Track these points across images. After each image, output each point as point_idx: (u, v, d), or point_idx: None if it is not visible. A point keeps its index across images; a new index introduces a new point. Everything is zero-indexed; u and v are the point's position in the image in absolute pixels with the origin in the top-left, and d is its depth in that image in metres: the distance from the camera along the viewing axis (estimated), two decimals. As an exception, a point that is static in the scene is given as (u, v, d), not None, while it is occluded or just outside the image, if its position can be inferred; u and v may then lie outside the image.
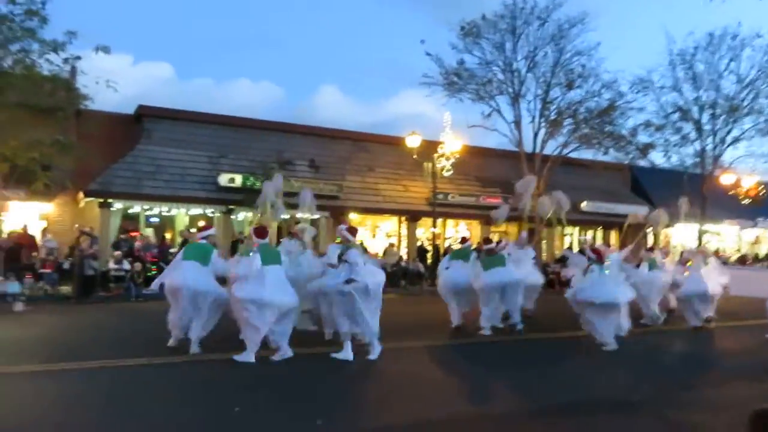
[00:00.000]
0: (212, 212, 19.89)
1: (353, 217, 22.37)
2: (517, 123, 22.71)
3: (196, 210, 19.84)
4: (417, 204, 23.06)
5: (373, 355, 7.60)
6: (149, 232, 19.60)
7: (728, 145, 25.34)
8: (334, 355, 7.53)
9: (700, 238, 25.11)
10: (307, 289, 8.26)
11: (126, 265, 15.16)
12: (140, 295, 14.52)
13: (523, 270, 11.17)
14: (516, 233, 23.35)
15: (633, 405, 5.97)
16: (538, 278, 12.46)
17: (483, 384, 6.84)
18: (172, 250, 16.08)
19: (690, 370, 7.91)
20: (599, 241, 25.85)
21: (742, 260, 27.54)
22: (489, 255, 10.59)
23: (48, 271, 14.99)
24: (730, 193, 26.80)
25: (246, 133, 21.73)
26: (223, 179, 19.52)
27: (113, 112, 20.10)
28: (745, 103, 24.42)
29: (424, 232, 24.03)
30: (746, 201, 27.12)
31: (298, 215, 11.05)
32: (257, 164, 20.19)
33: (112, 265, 15.20)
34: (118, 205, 18.56)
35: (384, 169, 23.68)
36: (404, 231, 23.62)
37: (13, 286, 13.73)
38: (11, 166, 15.05)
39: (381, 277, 7.89)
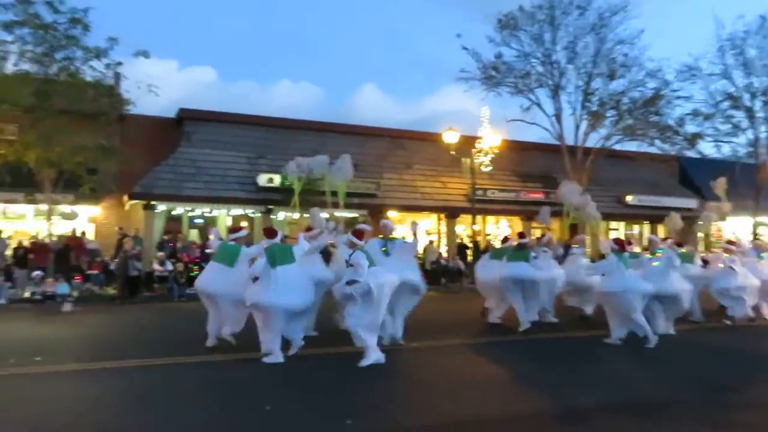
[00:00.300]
0: (252, 212, 20.13)
1: (392, 215, 22.30)
2: (558, 116, 22.24)
3: (236, 210, 20.11)
4: (456, 200, 22.82)
5: (365, 361, 7.05)
6: (194, 233, 19.95)
7: (784, 133, 24.20)
8: (361, 363, 7.07)
9: (754, 231, 24.04)
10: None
11: (169, 266, 15.47)
12: (183, 295, 14.80)
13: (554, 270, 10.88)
14: (559, 228, 22.89)
15: (675, 406, 5.69)
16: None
17: (518, 383, 6.64)
18: (208, 251, 16.29)
19: (737, 369, 7.50)
20: (645, 235, 25.02)
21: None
22: (519, 249, 10.51)
23: (95, 272, 15.45)
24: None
25: (284, 134, 21.91)
26: (262, 179, 19.72)
27: (155, 116, 20.62)
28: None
29: (464, 229, 23.76)
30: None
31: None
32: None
33: (155, 266, 15.53)
34: (161, 207, 18.96)
35: (422, 166, 23.53)
36: (443, 228, 23.40)
37: (62, 287, 14.20)
38: (58, 170, 15.57)
39: (388, 279, 7.37)
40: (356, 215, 20.67)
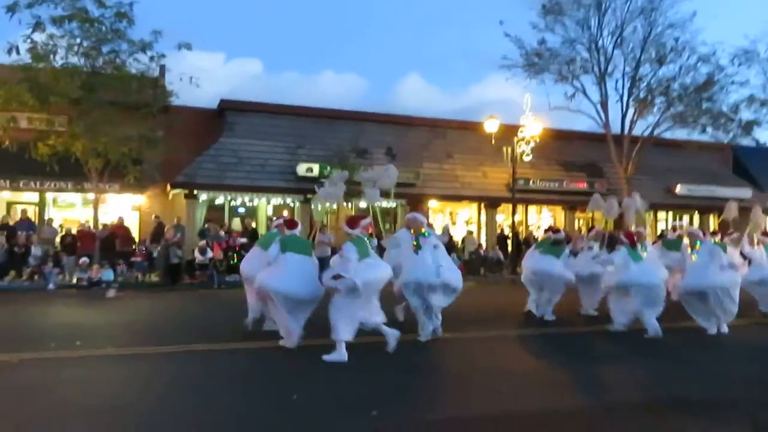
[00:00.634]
0: (291, 201, 20.29)
1: (432, 205, 22.15)
2: (603, 103, 21.53)
3: (276, 199, 20.32)
4: (496, 190, 22.45)
5: (330, 356, 6.69)
6: (236, 222, 20.23)
7: None
8: (326, 357, 6.75)
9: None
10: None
11: (209, 254, 15.73)
12: (222, 283, 15.03)
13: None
14: (601, 220, 22.27)
15: (722, 405, 5.40)
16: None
17: (553, 377, 6.44)
18: (242, 240, 16.51)
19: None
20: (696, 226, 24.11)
21: None
22: (555, 245, 10.47)
23: (139, 259, 15.84)
24: None
25: (323, 123, 21.96)
26: (301, 169, 19.83)
27: (199, 107, 20.97)
28: None
29: (504, 218, 23.38)
30: None
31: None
32: (334, 153, 20.35)
33: (196, 253, 15.82)
34: (203, 196, 19.30)
35: (462, 155, 23.22)
36: (483, 218, 23.08)
37: (107, 274, 14.63)
38: (105, 160, 16.01)
39: (377, 274, 7.02)
40: (394, 205, 20.59)
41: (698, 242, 9.49)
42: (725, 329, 9.00)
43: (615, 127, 21.67)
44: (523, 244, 20.87)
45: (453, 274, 8.14)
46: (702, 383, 6.25)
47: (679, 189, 24.66)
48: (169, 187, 19.19)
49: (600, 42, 21.28)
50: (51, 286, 14.31)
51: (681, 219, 26.07)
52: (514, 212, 21.38)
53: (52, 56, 15.53)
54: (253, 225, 19.00)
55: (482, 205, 22.95)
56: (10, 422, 4.61)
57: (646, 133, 21.73)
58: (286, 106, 22.35)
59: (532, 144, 20.41)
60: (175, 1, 61.87)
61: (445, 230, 9.20)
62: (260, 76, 60.82)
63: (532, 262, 10.52)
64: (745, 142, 24.20)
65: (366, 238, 7.46)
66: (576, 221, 23.94)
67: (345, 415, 4.96)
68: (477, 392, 5.71)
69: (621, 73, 21.57)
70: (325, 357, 6.73)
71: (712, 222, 24.61)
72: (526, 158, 20.73)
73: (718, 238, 11.24)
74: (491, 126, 20.30)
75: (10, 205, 18.89)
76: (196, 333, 8.51)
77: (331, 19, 76.68)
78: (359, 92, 62.43)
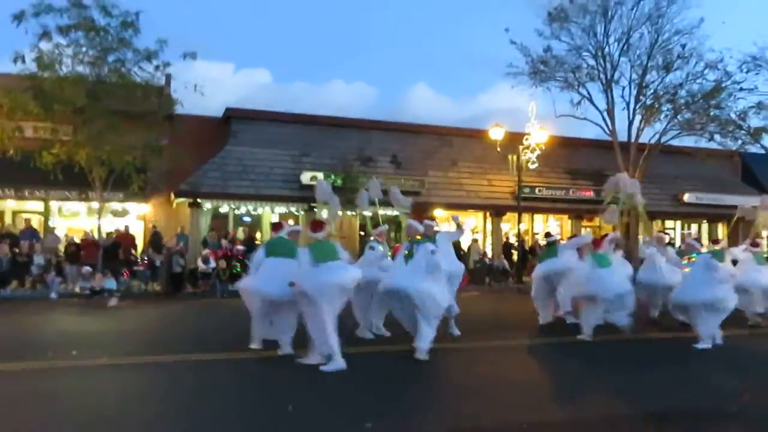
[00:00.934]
0: (296, 210, 20.21)
1: (438, 214, 21.99)
2: (610, 111, 21.34)
3: (280, 208, 20.23)
4: (502, 198, 22.29)
5: (327, 366, 6.58)
6: (240, 231, 20.16)
7: None
8: (323, 368, 6.62)
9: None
10: None
11: (212, 263, 15.65)
12: (225, 292, 14.94)
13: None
14: (610, 228, 22.03)
15: (730, 415, 5.23)
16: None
17: (556, 388, 6.29)
18: (239, 247, 16.41)
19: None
20: (704, 235, 23.85)
21: None
22: (548, 246, 10.86)
23: (141, 268, 15.78)
24: None
25: (328, 131, 21.91)
26: (306, 177, 19.75)
27: (204, 116, 21.00)
28: None
29: (510, 227, 23.20)
30: None
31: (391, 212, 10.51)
32: (339, 162, 20.29)
33: (199, 262, 15.74)
34: (207, 204, 19.26)
35: (467, 163, 23.11)
36: (489, 226, 22.91)
37: (110, 283, 14.52)
38: (109, 169, 16.01)
39: (334, 278, 6.66)
40: (398, 213, 20.45)
41: (695, 254, 9.29)
42: (719, 340, 8.65)
43: (622, 135, 21.48)
44: (528, 253, 20.68)
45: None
46: (711, 393, 6.08)
47: (687, 197, 24.41)
48: (173, 195, 19.16)
49: (606, 49, 21.14)
50: (53, 295, 14.26)
51: (689, 228, 25.80)
52: (519, 221, 21.20)
53: (57, 65, 15.59)
54: (250, 233, 18.97)
55: (488, 213, 22.78)
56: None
57: (653, 141, 21.52)
58: (291, 114, 22.34)
59: (537, 152, 20.24)
60: (185, 12, 62.38)
61: (457, 224, 8.93)
62: (269, 85, 61.11)
63: (539, 268, 10.64)
64: (754, 149, 23.93)
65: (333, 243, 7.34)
66: (582, 230, 23.71)
67: (340, 427, 4.83)
68: (476, 403, 5.57)
69: (627, 81, 21.40)
70: (323, 368, 6.61)
71: (721, 231, 24.31)
72: (532, 166, 20.55)
73: (718, 247, 11.08)
74: (496, 134, 20.17)
75: (15, 214, 18.93)
76: (194, 343, 8.41)
77: (341, 29, 77.10)
78: (368, 101, 62.59)
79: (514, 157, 20.69)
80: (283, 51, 74.86)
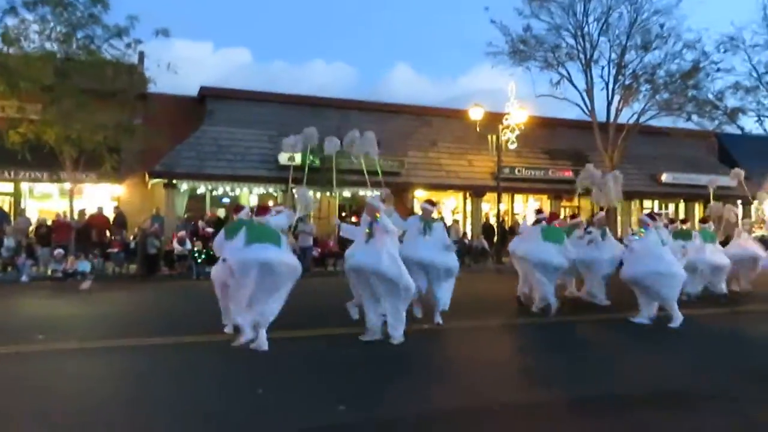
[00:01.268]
0: (273, 191, 19.95)
1: (418, 194, 21.89)
2: (589, 90, 21.37)
3: (258, 189, 19.95)
4: (481, 179, 22.26)
5: (256, 344, 6.60)
6: (221, 212, 19.83)
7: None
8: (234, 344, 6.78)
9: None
10: None
11: (188, 245, 15.40)
12: (202, 274, 14.71)
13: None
14: (588, 208, 22.15)
15: (699, 398, 5.22)
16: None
17: (535, 369, 6.26)
18: (209, 229, 16.04)
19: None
20: (681, 215, 24.07)
21: None
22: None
23: (115, 250, 15.47)
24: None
25: (306, 111, 21.54)
26: (283, 158, 19.42)
27: (179, 95, 20.53)
28: None
29: (490, 207, 23.21)
30: None
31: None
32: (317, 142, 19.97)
33: (175, 244, 15.47)
34: (183, 185, 18.90)
35: (447, 144, 23.00)
36: (469, 207, 22.89)
37: (83, 265, 14.27)
38: (79, 149, 15.59)
39: (252, 257, 6.62)
40: (379, 193, 20.30)
41: (643, 229, 9.24)
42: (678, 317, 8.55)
43: (601, 115, 21.55)
44: (508, 233, 20.69)
45: (393, 265, 7.06)
46: (680, 375, 6.09)
47: (664, 177, 24.61)
48: (147, 176, 18.78)
49: (586, 28, 21.11)
50: (24, 278, 13.92)
51: (667, 207, 26.06)
52: (499, 201, 21.20)
53: (23, 40, 15.06)
54: (218, 214, 18.70)
55: (467, 193, 22.75)
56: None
57: (632, 121, 21.59)
58: (269, 93, 21.97)
59: (517, 132, 20.18)
60: (158, -11, 60.69)
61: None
62: (249, 65, 60.24)
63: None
64: (731, 129, 24.20)
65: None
66: (562, 210, 23.81)
67: (311, 409, 4.73)
68: (451, 384, 5.51)
69: (607, 60, 21.45)
70: (233, 343, 6.72)
71: (698, 210, 24.59)
72: (511, 146, 20.49)
73: (686, 226, 11.23)
74: (476, 114, 20.05)
75: (-16, 195, 18.44)
76: (166, 325, 8.27)
77: (322, 8, 75.97)
78: (349, 82, 62.10)
79: (494, 137, 20.62)
80: (264, 30, 73.82)
